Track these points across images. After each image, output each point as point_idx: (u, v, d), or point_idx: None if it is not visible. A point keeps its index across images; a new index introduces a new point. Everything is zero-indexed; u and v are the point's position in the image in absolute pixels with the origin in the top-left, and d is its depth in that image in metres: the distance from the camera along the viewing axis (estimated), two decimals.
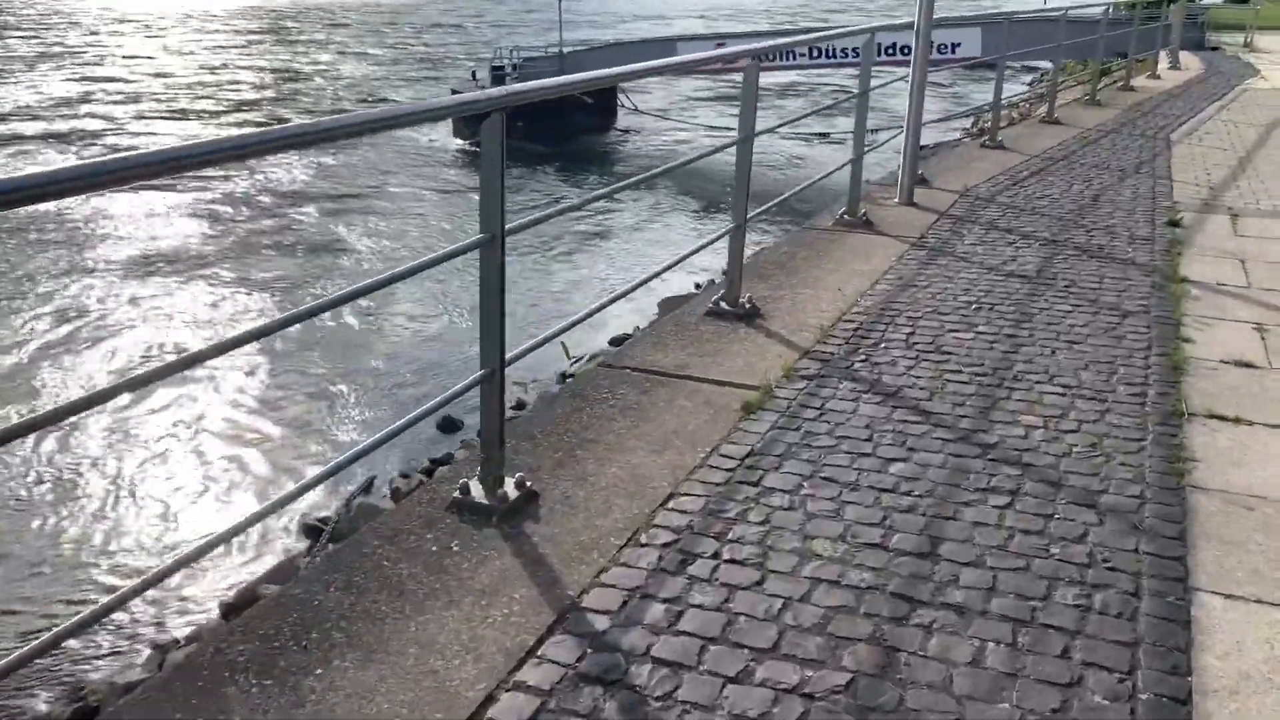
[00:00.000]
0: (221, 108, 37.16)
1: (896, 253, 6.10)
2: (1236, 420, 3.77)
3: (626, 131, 34.28)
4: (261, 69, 47.45)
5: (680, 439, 3.59)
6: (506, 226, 2.95)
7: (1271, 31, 31.41)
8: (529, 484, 3.22)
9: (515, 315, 16.66)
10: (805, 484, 3.23)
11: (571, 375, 9.00)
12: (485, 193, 2.94)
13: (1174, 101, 13.40)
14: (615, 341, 10.82)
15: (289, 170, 26.68)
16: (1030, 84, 34.72)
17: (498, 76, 32.19)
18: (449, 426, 10.02)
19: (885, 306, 5.05)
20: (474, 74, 33.86)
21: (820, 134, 30.95)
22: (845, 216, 6.71)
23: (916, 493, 3.18)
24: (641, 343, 4.68)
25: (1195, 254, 6.11)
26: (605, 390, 4.04)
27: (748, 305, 4.97)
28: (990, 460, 3.40)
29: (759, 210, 5.46)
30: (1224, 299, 5.23)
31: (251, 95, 39.93)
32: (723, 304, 5.00)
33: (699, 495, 3.19)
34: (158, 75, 44.42)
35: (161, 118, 34.93)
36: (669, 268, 4.63)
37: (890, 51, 28.45)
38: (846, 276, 5.56)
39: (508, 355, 3.08)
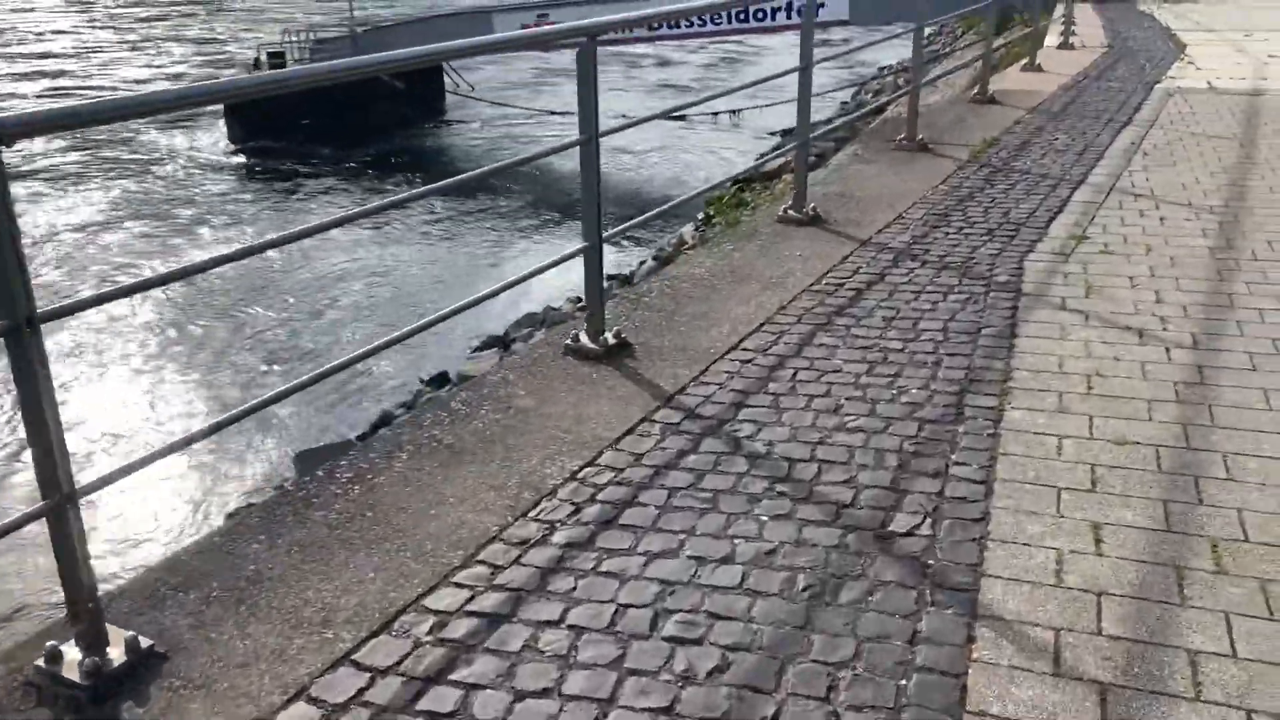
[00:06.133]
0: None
1: None
2: None
3: (449, 123, 27.81)
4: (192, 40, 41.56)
5: None
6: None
7: None
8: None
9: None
10: None
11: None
12: None
13: (1052, 129, 7.50)
14: None
15: None
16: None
17: (276, 64, 25.65)
18: None
19: None
20: (257, 60, 27.15)
21: (732, 111, 24.67)
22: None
23: None
24: None
25: None
26: None
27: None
28: None
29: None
30: None
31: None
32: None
33: None
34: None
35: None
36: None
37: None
38: None
39: None
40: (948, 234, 5.16)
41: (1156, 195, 5.68)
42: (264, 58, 26.19)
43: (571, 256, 3.85)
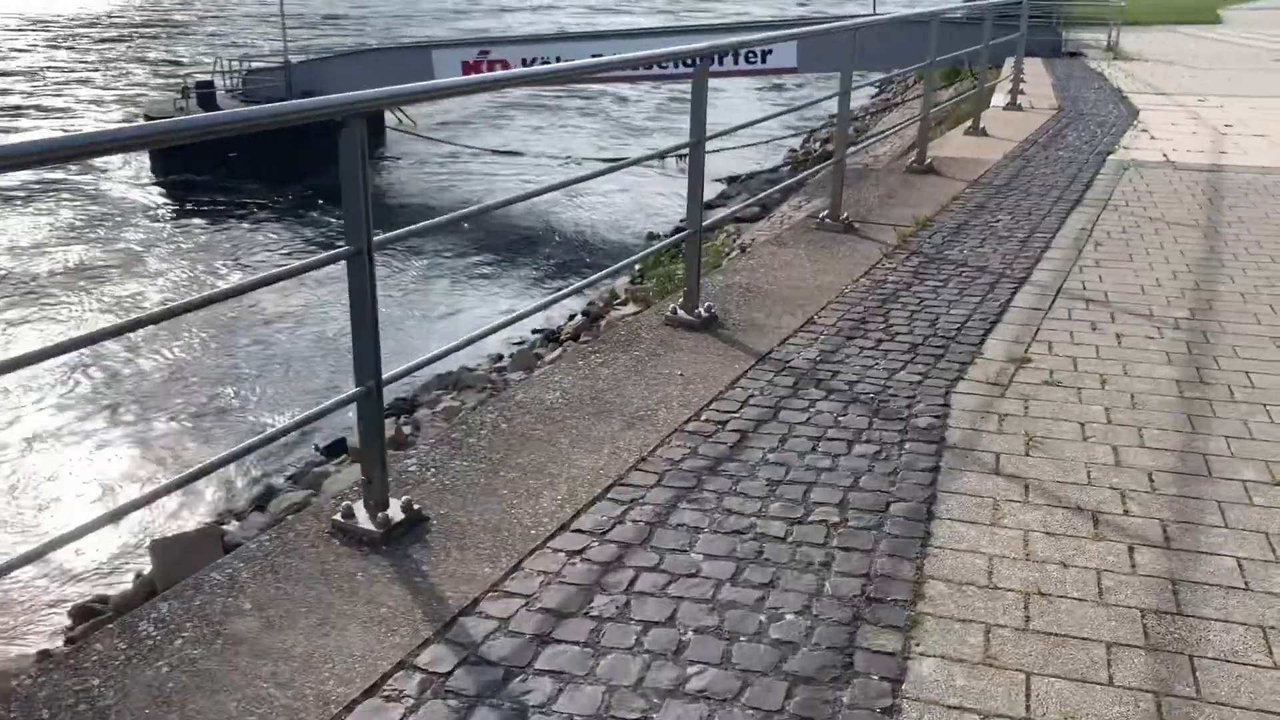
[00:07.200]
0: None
1: None
2: None
3: (388, 160, 26.67)
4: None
5: None
6: None
7: (1137, 28, 25.47)
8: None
9: None
10: None
11: None
12: None
13: (994, 208, 6.65)
14: None
15: None
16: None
17: (205, 95, 24.55)
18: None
19: None
20: (184, 92, 25.90)
21: (679, 156, 23.66)
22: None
23: None
24: None
25: None
26: None
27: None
28: None
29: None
30: None
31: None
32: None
33: None
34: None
35: None
36: None
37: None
38: None
39: None
40: (862, 349, 4.24)
41: (1111, 302, 4.81)
42: (191, 85, 25.06)
43: (343, 404, 2.85)
